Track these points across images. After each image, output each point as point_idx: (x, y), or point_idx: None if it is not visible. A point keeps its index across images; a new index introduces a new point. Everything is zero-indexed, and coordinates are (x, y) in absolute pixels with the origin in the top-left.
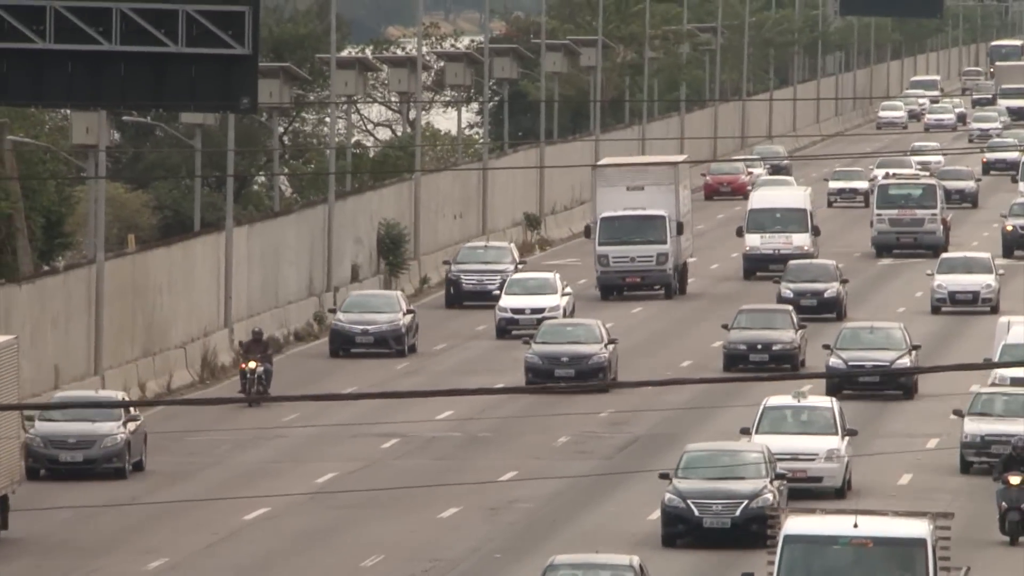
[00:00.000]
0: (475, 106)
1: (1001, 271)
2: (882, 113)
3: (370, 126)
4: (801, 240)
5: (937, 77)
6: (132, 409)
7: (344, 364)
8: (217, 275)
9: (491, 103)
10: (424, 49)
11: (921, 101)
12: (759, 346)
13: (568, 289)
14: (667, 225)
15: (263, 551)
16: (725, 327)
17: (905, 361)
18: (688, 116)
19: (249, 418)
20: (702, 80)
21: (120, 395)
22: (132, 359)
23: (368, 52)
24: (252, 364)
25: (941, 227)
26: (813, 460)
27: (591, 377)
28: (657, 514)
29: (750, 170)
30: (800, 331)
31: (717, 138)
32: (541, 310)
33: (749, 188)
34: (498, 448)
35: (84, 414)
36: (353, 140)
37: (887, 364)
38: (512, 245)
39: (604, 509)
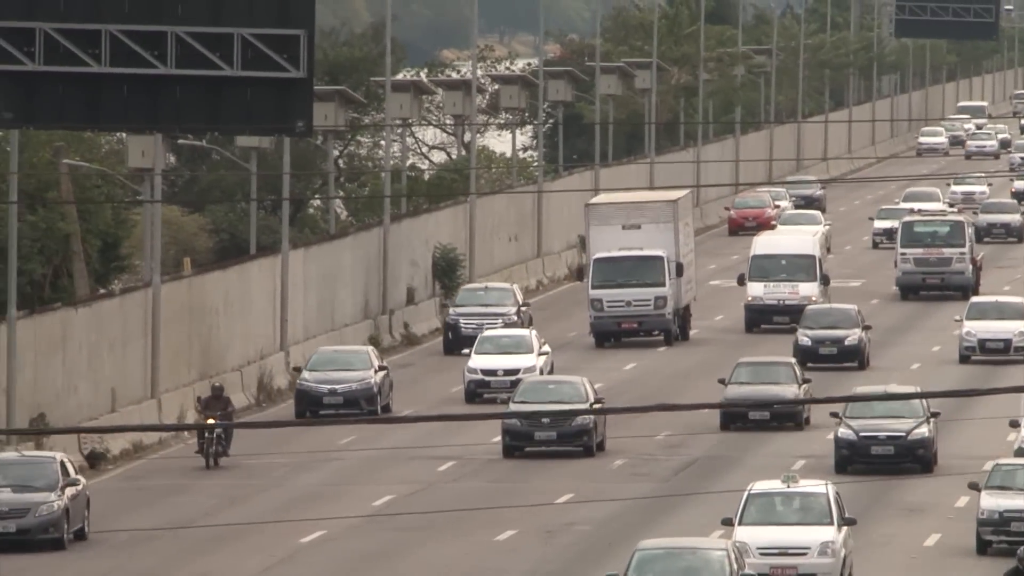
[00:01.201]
0: (530, 129)
1: None
2: (922, 139)
3: (425, 149)
4: (809, 290)
5: (984, 103)
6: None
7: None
8: (273, 298)
9: (546, 126)
10: (479, 72)
11: (967, 126)
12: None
13: (546, 347)
14: (666, 266)
15: (320, 574)
16: (722, 382)
17: (923, 431)
18: (743, 138)
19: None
20: (757, 102)
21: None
22: (189, 382)
23: (423, 75)
24: (210, 423)
25: (970, 267)
26: (804, 555)
27: (575, 440)
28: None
29: (777, 203)
30: (804, 386)
31: (772, 160)
32: (515, 371)
33: (774, 223)
34: (554, 470)
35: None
36: (408, 163)
37: (903, 435)
38: (515, 287)
39: (660, 532)
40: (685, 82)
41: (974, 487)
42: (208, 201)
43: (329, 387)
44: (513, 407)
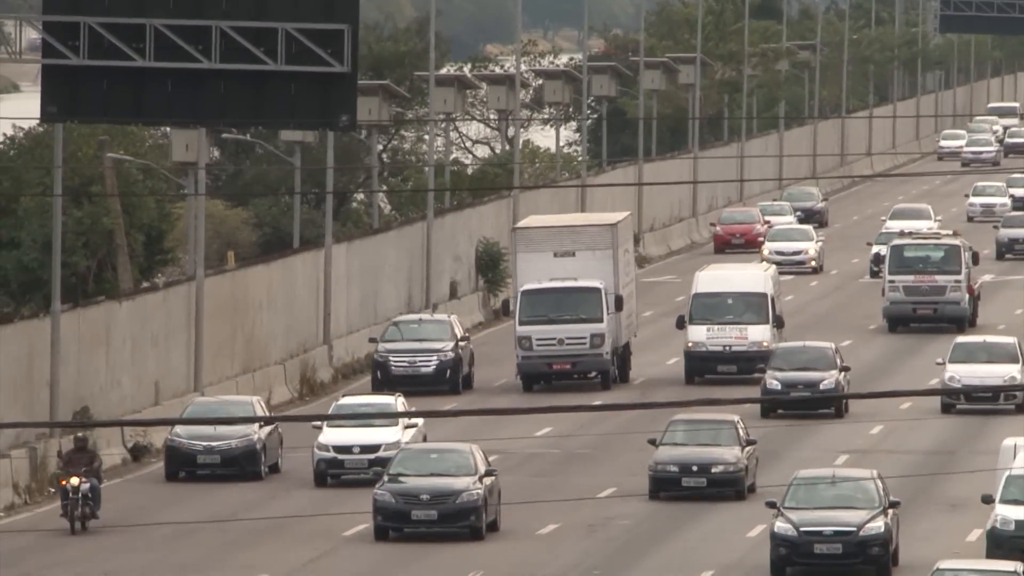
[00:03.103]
0: (573, 124)
1: None
2: (942, 143)
3: (469, 143)
4: (759, 334)
5: (1016, 104)
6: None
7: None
8: (316, 292)
9: (589, 120)
10: (523, 67)
11: (995, 128)
12: (694, 467)
13: (418, 420)
14: (603, 299)
15: (363, 568)
16: (652, 443)
17: (878, 525)
18: (787, 133)
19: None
20: (801, 97)
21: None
22: (232, 375)
23: (467, 70)
24: (75, 481)
25: (967, 296)
26: None
27: (458, 520)
28: (757, 530)
29: (767, 219)
30: (748, 448)
31: (816, 155)
32: (374, 448)
33: (761, 240)
34: (597, 464)
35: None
36: (452, 157)
37: (853, 529)
38: (454, 318)
39: (705, 526)
40: (729, 77)
41: (987, 500)
42: (252, 195)
43: (204, 444)
44: (388, 481)
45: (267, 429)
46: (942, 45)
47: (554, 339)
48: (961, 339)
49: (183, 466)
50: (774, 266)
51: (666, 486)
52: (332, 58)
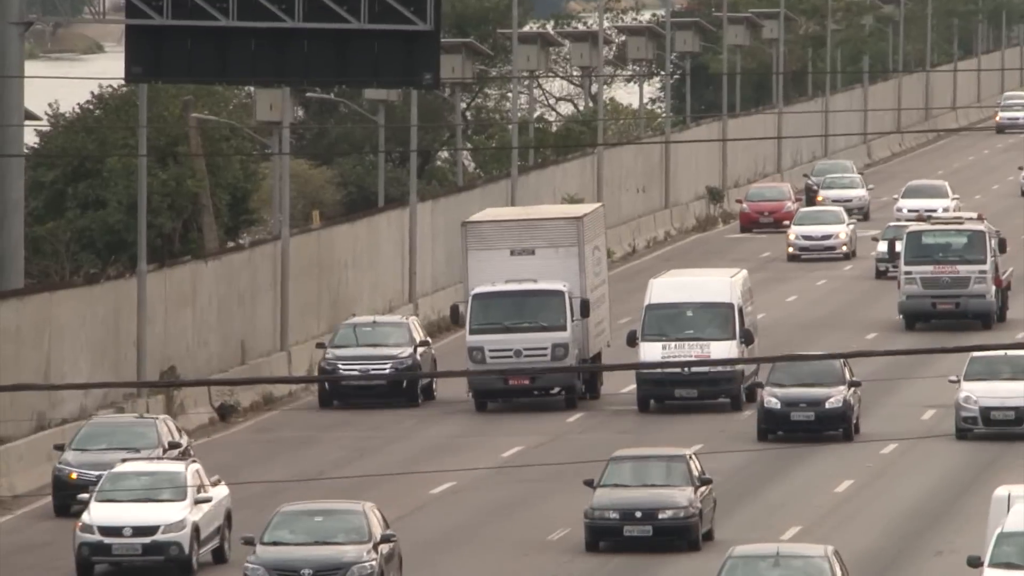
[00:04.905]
0: (657, 80)
1: None
2: (1003, 114)
3: (552, 101)
4: (723, 350)
5: None
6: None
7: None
8: (401, 250)
9: (673, 77)
10: (605, 23)
11: None
12: (638, 513)
13: (221, 490)
14: (567, 304)
15: (449, 525)
16: (590, 484)
17: None
18: (871, 88)
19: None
20: (885, 51)
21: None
22: (318, 335)
23: (550, 27)
24: None
25: (993, 289)
26: None
27: None
28: (845, 485)
29: (798, 197)
30: (702, 488)
31: (901, 109)
32: (151, 530)
33: (786, 224)
34: (682, 421)
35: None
36: (535, 115)
37: None
38: (412, 320)
39: (790, 482)
40: (813, 32)
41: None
42: (336, 154)
43: (97, 473)
44: (260, 548)
45: (172, 454)
46: None
47: (510, 350)
48: (978, 353)
49: (70, 499)
50: (744, 271)
51: (605, 535)
52: (415, 16)
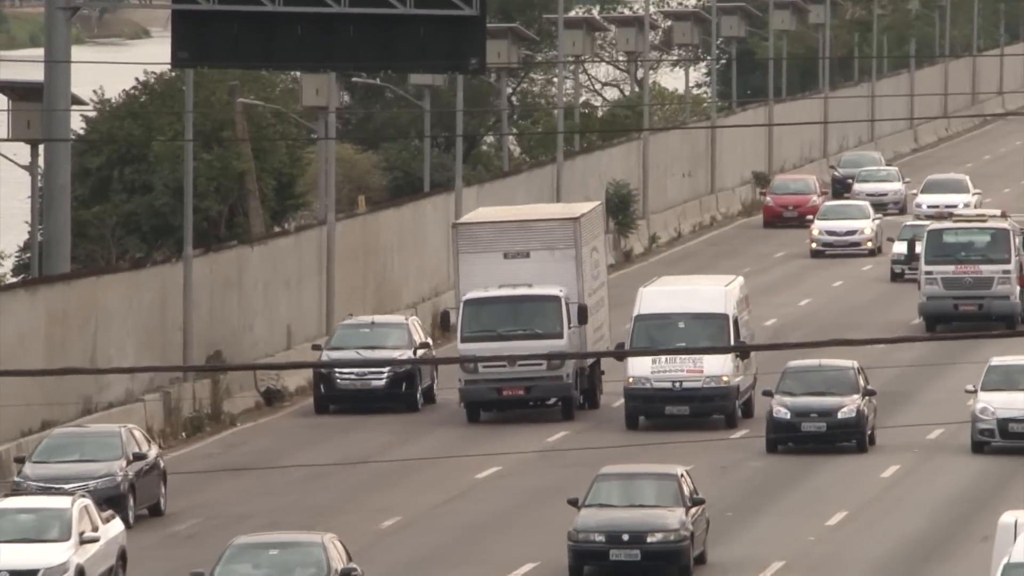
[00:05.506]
0: (703, 65)
1: None
2: None
3: (598, 86)
4: (718, 366)
5: None
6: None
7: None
8: (447, 235)
9: (719, 62)
10: (651, 8)
11: None
12: (625, 536)
13: (114, 527)
14: (564, 310)
15: (495, 509)
16: (574, 504)
17: None
18: (917, 73)
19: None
20: (931, 36)
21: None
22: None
23: (595, 12)
24: None
25: (1018, 289)
26: None
27: None
28: (892, 470)
29: (824, 190)
30: (694, 509)
31: (947, 94)
32: (30, 574)
33: (810, 219)
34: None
35: None
36: (581, 100)
37: None
38: (413, 320)
39: (838, 466)
40: (859, 16)
41: None
42: (382, 139)
43: (58, 487)
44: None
45: (138, 464)
46: None
47: (504, 359)
48: (996, 361)
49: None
50: (740, 278)
51: (590, 560)
52: (461, 1)
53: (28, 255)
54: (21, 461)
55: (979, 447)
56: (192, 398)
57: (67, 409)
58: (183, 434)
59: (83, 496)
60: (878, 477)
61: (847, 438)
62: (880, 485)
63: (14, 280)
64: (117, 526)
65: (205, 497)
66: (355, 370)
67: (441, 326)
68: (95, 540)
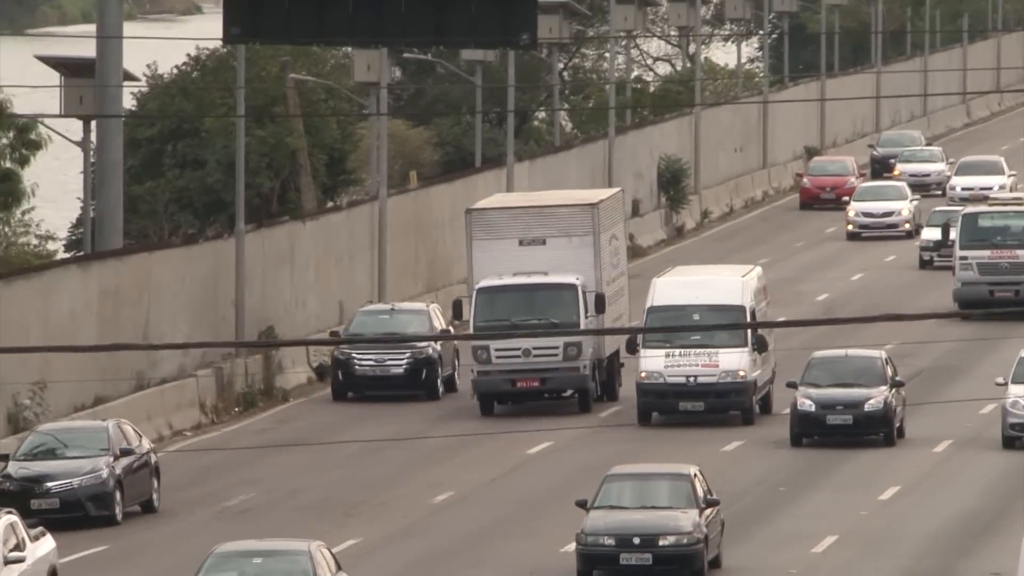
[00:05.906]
0: (755, 40)
1: None
2: None
3: (650, 61)
4: (734, 361)
5: None
6: None
7: None
8: None
9: (771, 36)
10: None
11: None
12: (636, 539)
13: (45, 544)
14: (580, 299)
15: (546, 484)
16: (582, 505)
17: None
18: (970, 47)
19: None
20: (984, 10)
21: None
22: (415, 295)
23: None
24: None
25: None
26: None
27: None
28: (943, 446)
29: (863, 172)
30: (708, 511)
31: (1000, 69)
32: None
33: (846, 200)
34: (782, 382)
35: None
36: (633, 75)
37: None
38: (434, 307)
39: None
40: None
41: None
42: (433, 114)
43: (45, 486)
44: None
45: (126, 460)
46: None
47: (518, 349)
48: None
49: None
50: (758, 268)
51: (599, 564)
52: None
53: (81, 231)
54: (5, 459)
55: (1010, 442)
56: (244, 373)
57: (120, 385)
58: (236, 409)
59: (8, 513)
60: (929, 452)
61: (874, 431)
62: (931, 461)
63: (67, 256)
64: (48, 544)
65: (256, 473)
66: (374, 355)
67: (453, 315)
68: (19, 560)
